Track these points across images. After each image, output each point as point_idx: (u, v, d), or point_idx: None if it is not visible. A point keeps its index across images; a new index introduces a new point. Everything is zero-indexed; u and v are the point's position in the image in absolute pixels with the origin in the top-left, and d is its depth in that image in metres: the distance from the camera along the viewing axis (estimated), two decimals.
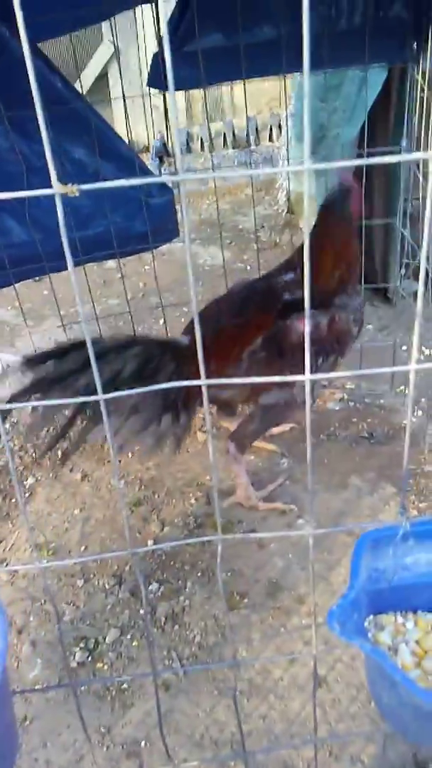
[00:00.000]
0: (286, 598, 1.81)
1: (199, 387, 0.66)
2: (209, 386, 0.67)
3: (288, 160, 2.83)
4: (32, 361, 1.59)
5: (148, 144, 4.95)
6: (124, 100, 2.28)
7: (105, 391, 0.68)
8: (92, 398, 0.70)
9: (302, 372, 0.66)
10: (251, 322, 1.87)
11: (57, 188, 0.67)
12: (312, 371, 0.66)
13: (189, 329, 2.02)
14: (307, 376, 0.66)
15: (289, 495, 2.13)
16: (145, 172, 2.26)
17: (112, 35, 4.81)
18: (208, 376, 0.67)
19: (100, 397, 0.70)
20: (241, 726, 1.14)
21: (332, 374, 2.02)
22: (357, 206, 1.84)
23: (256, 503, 2.08)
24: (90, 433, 1.68)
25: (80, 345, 1.61)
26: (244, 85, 2.07)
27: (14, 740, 0.89)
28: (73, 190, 0.66)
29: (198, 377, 0.69)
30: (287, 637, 1.71)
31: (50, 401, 1.53)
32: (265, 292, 1.93)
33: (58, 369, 1.57)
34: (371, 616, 0.96)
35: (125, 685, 1.62)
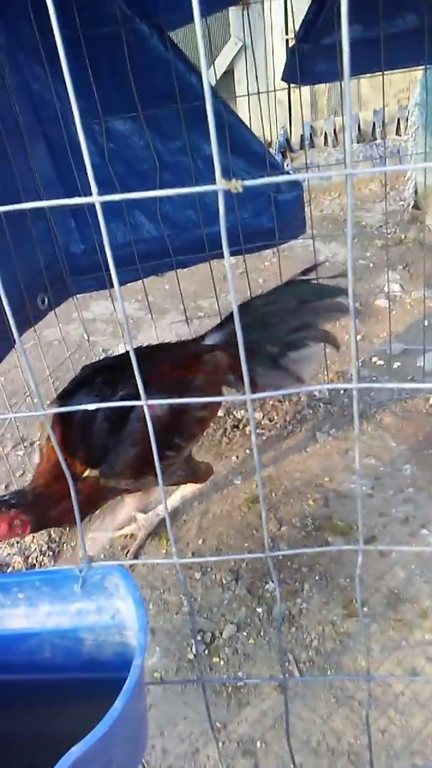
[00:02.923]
0: (408, 610, 1.74)
1: None
2: None
3: (420, 152, 2.72)
4: None
5: (271, 139, 4.93)
6: (257, 96, 2.28)
7: None
8: None
9: None
10: None
11: (221, 184, 0.66)
12: None
13: None
14: None
15: (412, 503, 2.05)
16: (275, 167, 2.24)
17: (243, 32, 4.83)
18: None
19: None
20: (370, 743, 1.11)
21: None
22: None
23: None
24: None
25: None
26: (383, 77, 2.00)
27: (146, 729, 0.91)
28: (237, 186, 0.65)
29: None
30: (409, 651, 1.64)
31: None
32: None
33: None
34: None
35: (241, 683, 1.62)
